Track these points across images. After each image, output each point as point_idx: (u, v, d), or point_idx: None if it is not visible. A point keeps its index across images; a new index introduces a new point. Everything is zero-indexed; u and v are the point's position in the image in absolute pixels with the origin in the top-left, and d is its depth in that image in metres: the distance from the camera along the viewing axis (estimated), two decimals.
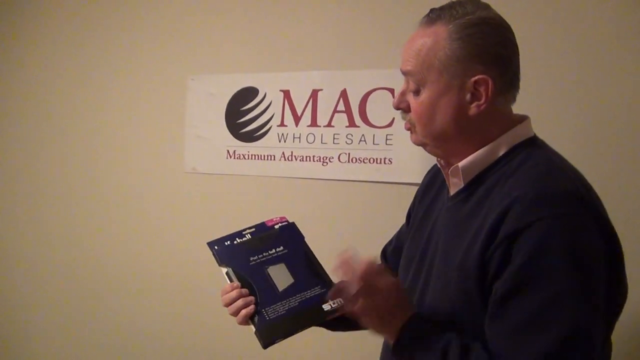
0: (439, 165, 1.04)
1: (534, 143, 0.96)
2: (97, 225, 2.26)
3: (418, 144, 1.01)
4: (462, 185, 0.96)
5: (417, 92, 0.95)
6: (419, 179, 1.68)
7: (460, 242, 0.91)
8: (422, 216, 1.11)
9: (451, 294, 0.91)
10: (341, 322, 1.05)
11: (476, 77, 0.90)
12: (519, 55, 0.96)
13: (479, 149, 0.94)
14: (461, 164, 0.95)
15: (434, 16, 0.94)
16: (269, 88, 1.96)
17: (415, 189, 1.68)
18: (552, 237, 0.80)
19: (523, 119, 0.97)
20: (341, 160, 1.85)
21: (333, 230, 1.82)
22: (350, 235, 1.79)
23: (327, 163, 1.87)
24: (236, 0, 2.01)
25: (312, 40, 1.90)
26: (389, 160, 1.77)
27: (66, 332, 2.32)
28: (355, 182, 1.83)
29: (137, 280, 2.19)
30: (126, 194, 2.21)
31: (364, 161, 1.81)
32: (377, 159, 1.79)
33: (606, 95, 1.53)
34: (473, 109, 0.92)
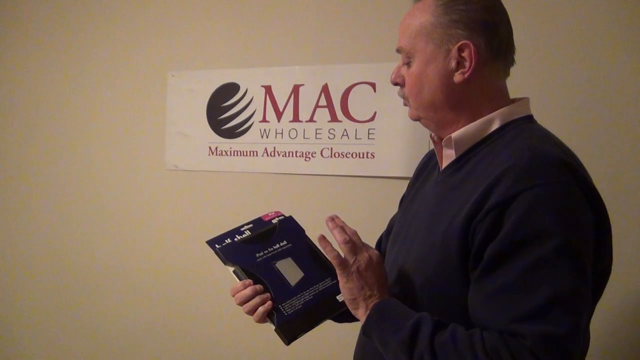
0: (432, 141, 1.05)
1: (529, 121, 0.97)
2: (78, 224, 2.23)
3: (414, 118, 1.03)
4: (454, 157, 0.97)
5: (409, 65, 0.98)
6: (401, 172, 1.71)
7: (447, 211, 0.92)
8: (413, 196, 1.12)
9: (432, 261, 0.91)
10: (348, 312, 1.06)
11: (460, 43, 0.92)
12: (509, 24, 0.97)
13: (470, 122, 0.95)
14: (454, 134, 0.96)
15: None
16: (250, 84, 1.95)
17: (397, 182, 1.72)
18: (543, 204, 0.80)
19: (521, 99, 0.99)
20: (324, 155, 1.85)
21: (316, 225, 1.82)
22: None
23: (309, 158, 1.87)
24: None
25: (293, 35, 1.90)
26: (371, 154, 1.78)
27: (47, 331, 2.30)
28: (338, 176, 1.84)
29: (119, 279, 2.17)
30: (107, 192, 2.18)
31: (346, 156, 1.82)
32: (359, 153, 1.80)
33: (603, 91, 1.54)
34: (458, 77, 0.93)
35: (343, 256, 0.95)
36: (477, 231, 0.84)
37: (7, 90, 2.35)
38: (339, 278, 0.96)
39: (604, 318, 1.32)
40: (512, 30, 0.97)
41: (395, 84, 1.02)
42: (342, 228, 0.98)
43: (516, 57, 1.00)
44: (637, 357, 1.50)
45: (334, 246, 0.97)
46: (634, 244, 1.49)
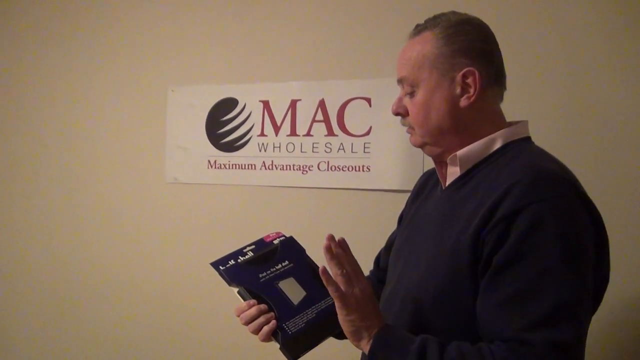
0: (433, 161, 1.09)
1: (527, 141, 1.03)
2: (79, 235, 2.25)
3: (418, 145, 1.07)
4: (458, 173, 1.01)
5: (412, 94, 1.03)
6: (396, 185, 1.74)
7: (452, 227, 0.96)
8: (414, 213, 1.16)
9: (440, 276, 0.95)
10: None
11: (464, 70, 0.98)
12: (500, 52, 1.03)
13: (472, 143, 1.00)
14: (459, 152, 1.00)
15: (420, 27, 1.03)
16: (249, 99, 1.99)
17: (392, 195, 1.75)
18: (547, 216, 0.85)
19: (520, 121, 1.04)
20: (320, 168, 1.88)
21: (313, 237, 1.84)
22: None
23: (306, 171, 1.90)
24: (216, 12, 2.04)
25: (290, 52, 1.94)
26: (367, 167, 1.82)
27: (47, 338, 2.31)
28: (334, 189, 1.87)
29: (119, 289, 2.19)
30: (108, 205, 2.21)
31: (342, 169, 1.85)
32: (355, 166, 1.83)
33: (597, 97, 1.57)
34: (464, 101, 0.99)
35: (343, 289, 0.94)
36: (486, 242, 0.89)
37: (10, 100, 2.37)
38: (339, 312, 0.95)
39: (603, 320, 1.35)
40: (502, 58, 1.04)
41: (397, 114, 1.07)
42: (339, 258, 0.95)
43: (509, 81, 1.05)
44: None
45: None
46: (633, 246, 1.52)
